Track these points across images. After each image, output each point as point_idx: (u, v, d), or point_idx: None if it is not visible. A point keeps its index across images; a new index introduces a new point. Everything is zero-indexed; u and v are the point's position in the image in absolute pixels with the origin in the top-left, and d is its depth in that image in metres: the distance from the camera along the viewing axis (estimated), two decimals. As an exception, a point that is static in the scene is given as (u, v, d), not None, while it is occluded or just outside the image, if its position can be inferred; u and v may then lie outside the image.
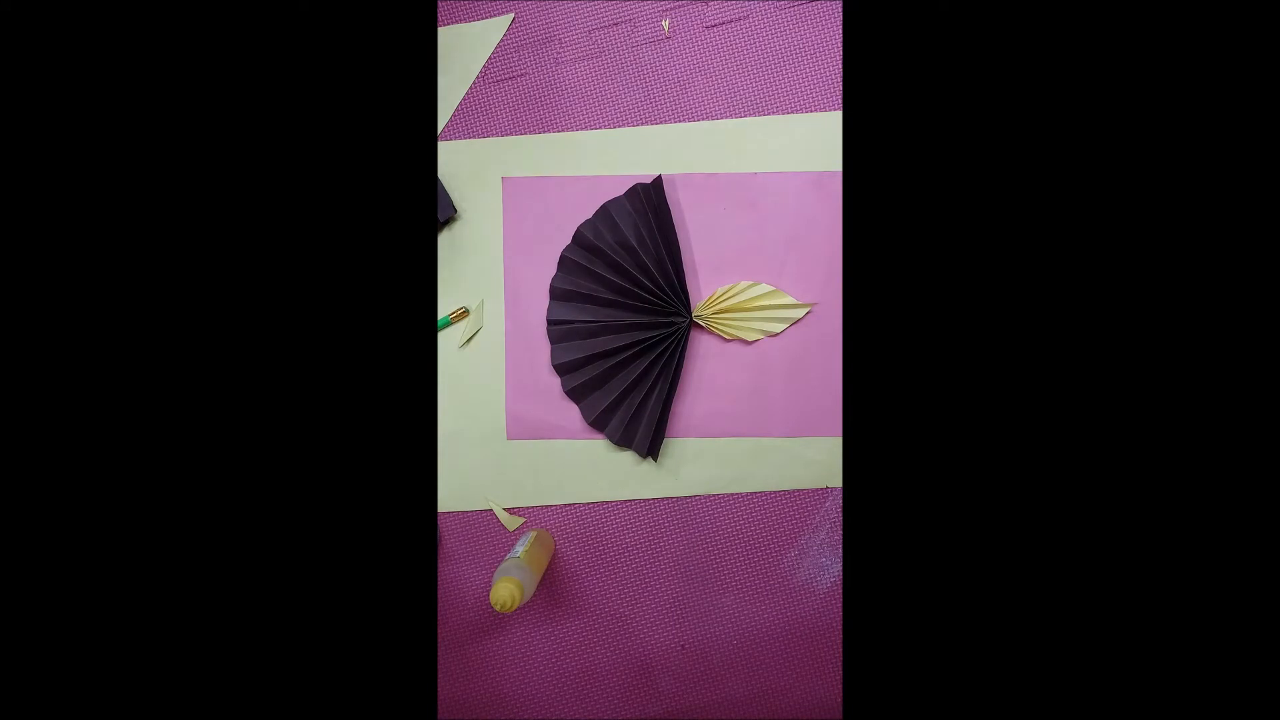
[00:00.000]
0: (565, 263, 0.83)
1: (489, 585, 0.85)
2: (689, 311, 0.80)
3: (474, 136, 0.85)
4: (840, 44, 0.82)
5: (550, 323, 0.83)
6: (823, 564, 0.83)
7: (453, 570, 0.86)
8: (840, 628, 0.84)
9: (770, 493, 0.83)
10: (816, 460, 0.83)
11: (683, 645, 0.84)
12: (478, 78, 0.84)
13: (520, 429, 0.85)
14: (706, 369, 0.83)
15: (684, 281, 0.80)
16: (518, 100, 0.84)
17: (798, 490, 0.83)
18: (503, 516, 0.85)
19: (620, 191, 0.83)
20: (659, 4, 0.83)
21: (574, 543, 0.85)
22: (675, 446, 0.84)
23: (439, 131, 0.85)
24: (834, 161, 0.82)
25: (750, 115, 0.83)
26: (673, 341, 0.80)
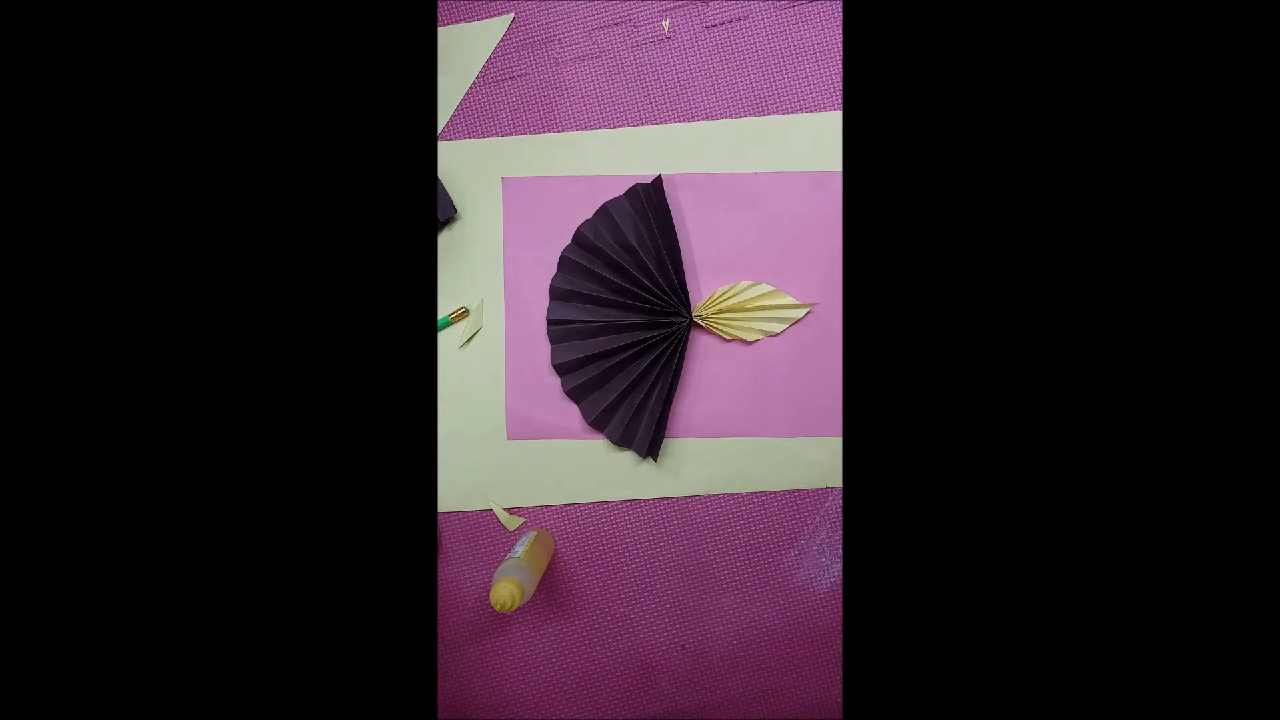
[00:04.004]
0: (565, 263, 0.83)
1: (489, 585, 0.85)
2: (689, 311, 0.80)
3: (474, 136, 0.85)
4: (840, 44, 0.82)
5: (550, 323, 0.83)
6: (823, 564, 0.83)
7: (453, 570, 0.86)
8: (840, 628, 0.84)
9: (770, 493, 0.83)
10: (816, 460, 0.83)
11: (683, 645, 0.84)
12: (478, 78, 0.84)
13: (520, 429, 0.85)
14: (706, 369, 0.83)
15: (684, 281, 0.80)
16: (518, 100, 0.84)
17: (798, 490, 0.83)
18: (503, 516, 0.85)
19: (620, 191, 0.83)
20: (659, 4, 0.83)
21: (574, 543, 0.85)
22: (675, 446, 0.84)
23: (439, 131, 0.85)
24: (834, 161, 0.82)
25: (750, 115, 0.83)
26: (673, 341, 0.80)
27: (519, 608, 0.80)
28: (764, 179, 0.82)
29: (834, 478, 0.83)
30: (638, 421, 0.82)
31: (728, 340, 0.83)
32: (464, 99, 0.85)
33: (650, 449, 0.81)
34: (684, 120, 0.83)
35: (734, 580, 0.84)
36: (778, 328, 0.82)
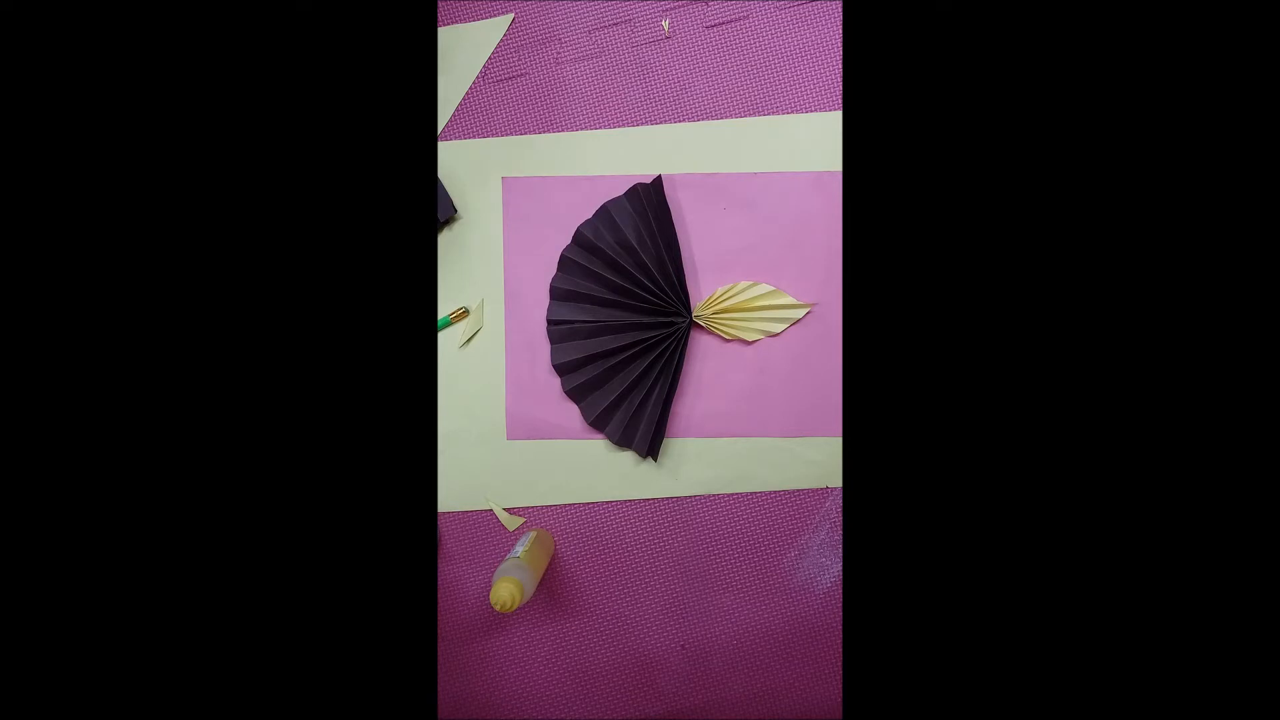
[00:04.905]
0: (565, 263, 0.83)
1: (489, 585, 0.85)
2: (689, 311, 0.80)
3: (474, 136, 0.85)
4: (840, 44, 0.82)
5: (550, 323, 0.83)
6: (823, 564, 0.83)
7: (453, 570, 0.86)
8: (840, 628, 0.84)
9: (770, 493, 0.83)
10: (816, 460, 0.83)
11: (683, 645, 0.84)
12: (478, 78, 0.84)
13: (520, 429, 0.85)
14: (706, 369, 0.83)
15: (684, 281, 0.80)
16: (518, 100, 0.84)
17: (798, 490, 0.83)
18: (503, 516, 0.85)
19: (620, 191, 0.83)
20: (659, 4, 0.83)
21: (574, 543, 0.85)
22: (675, 446, 0.84)
23: (439, 131, 0.85)
24: (834, 161, 0.82)
25: (750, 115, 0.83)
26: (673, 341, 0.80)
27: (519, 608, 0.80)
28: (764, 179, 0.82)
29: (834, 478, 0.83)
30: (638, 421, 0.82)
31: (728, 340, 0.83)
32: (464, 99, 0.85)
33: (650, 449, 0.81)
34: (684, 120, 0.83)
35: (734, 580, 0.84)
36: (778, 328, 0.82)
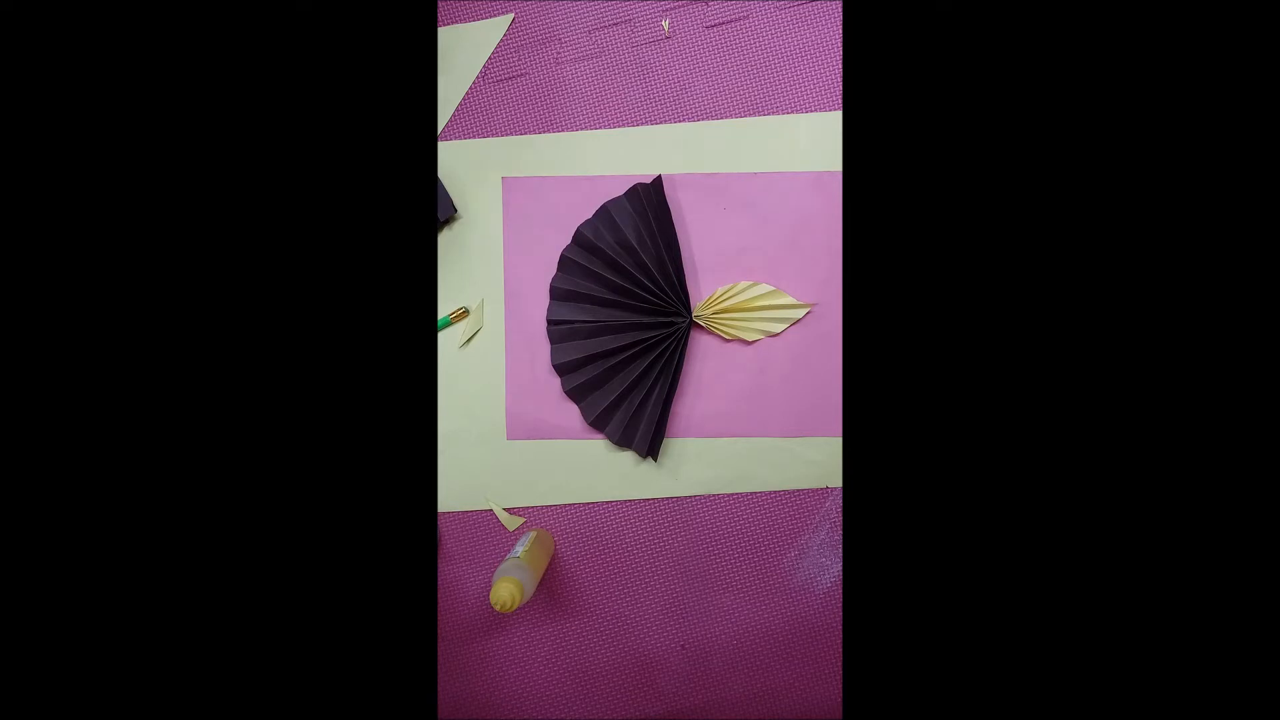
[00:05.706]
0: (565, 263, 0.83)
1: (489, 585, 0.85)
2: (689, 311, 0.80)
3: (474, 136, 0.85)
4: (840, 44, 0.82)
5: (550, 323, 0.83)
6: (823, 564, 0.83)
7: (453, 570, 0.86)
8: (840, 628, 0.84)
9: (770, 493, 0.83)
10: (816, 460, 0.83)
11: (683, 645, 0.84)
12: (478, 78, 0.84)
13: (520, 429, 0.85)
14: (706, 369, 0.83)
15: (684, 281, 0.80)
16: (518, 100, 0.84)
17: (798, 490, 0.83)
18: (503, 516, 0.85)
19: (620, 191, 0.83)
20: (659, 4, 0.83)
21: (574, 543, 0.85)
22: (675, 446, 0.84)
23: (439, 131, 0.85)
24: (834, 161, 0.82)
25: (750, 115, 0.83)
26: (673, 341, 0.80)
27: (519, 608, 0.80)
28: (764, 179, 0.82)
29: (834, 478, 0.83)
30: (637, 421, 0.82)
31: (728, 340, 0.83)
32: (464, 99, 0.85)
33: (650, 449, 0.81)
34: (684, 120, 0.83)
35: (734, 580, 0.84)
36: (778, 328, 0.82)
